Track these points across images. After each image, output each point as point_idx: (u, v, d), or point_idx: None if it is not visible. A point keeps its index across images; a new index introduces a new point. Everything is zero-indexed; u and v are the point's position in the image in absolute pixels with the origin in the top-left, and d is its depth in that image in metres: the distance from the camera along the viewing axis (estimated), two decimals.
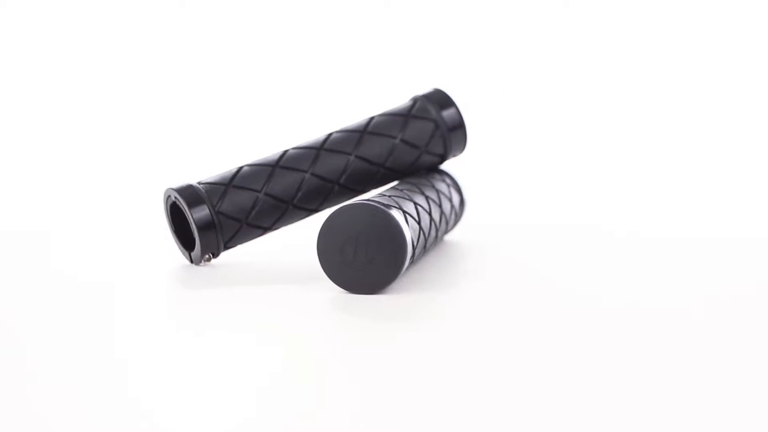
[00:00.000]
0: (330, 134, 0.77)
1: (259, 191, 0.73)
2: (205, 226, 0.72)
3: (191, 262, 0.74)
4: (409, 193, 0.73)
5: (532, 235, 0.90)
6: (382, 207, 0.65)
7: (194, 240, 0.73)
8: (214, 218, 0.72)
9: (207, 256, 0.73)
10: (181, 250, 0.75)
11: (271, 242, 0.78)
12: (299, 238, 0.78)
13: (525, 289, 0.70)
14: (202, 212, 0.71)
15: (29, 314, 0.63)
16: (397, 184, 0.77)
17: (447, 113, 0.80)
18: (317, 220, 0.70)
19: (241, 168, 0.74)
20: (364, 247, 0.65)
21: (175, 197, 0.72)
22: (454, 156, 0.82)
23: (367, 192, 0.78)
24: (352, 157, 0.76)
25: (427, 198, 0.74)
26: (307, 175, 0.74)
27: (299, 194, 0.74)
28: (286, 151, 0.75)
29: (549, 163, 1.24)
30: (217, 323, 0.62)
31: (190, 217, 0.71)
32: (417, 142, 0.78)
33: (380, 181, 0.78)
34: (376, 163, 0.77)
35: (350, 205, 0.66)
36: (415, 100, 0.80)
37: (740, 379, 0.51)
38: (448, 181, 0.81)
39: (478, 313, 0.64)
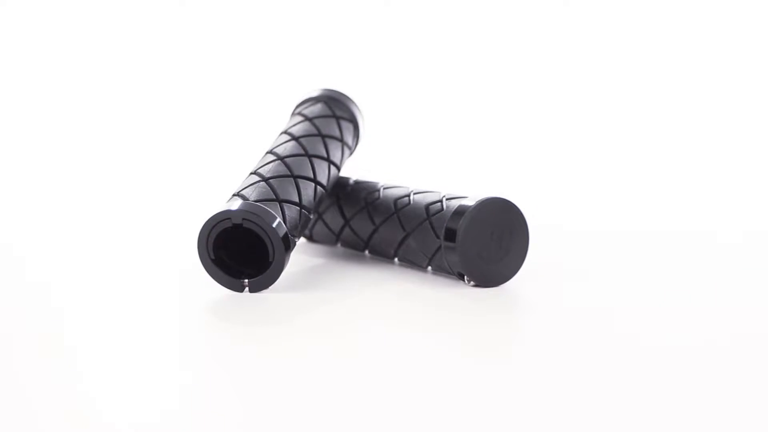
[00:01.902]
0: (296, 137, 0.74)
1: (299, 205, 0.69)
2: (287, 248, 0.66)
3: (241, 290, 0.66)
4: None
5: None
6: (509, 200, 0.67)
7: (242, 267, 0.66)
8: (290, 239, 0.67)
9: None
10: (224, 280, 0.66)
11: None
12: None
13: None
14: (284, 233, 0.66)
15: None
16: (390, 186, 0.75)
17: (358, 113, 0.82)
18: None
19: (267, 179, 0.69)
20: (504, 241, 0.67)
21: (246, 219, 0.65)
22: None
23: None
24: (329, 162, 0.75)
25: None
26: (316, 185, 0.72)
27: (315, 204, 0.72)
28: (283, 158, 0.72)
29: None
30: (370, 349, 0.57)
31: (276, 240, 0.65)
32: (349, 142, 0.79)
33: (334, 184, 0.77)
34: (336, 166, 0.76)
35: (488, 200, 0.66)
36: (322, 100, 0.80)
37: None
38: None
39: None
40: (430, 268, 0.71)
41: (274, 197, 0.68)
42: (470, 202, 0.67)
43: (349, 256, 0.78)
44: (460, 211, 0.66)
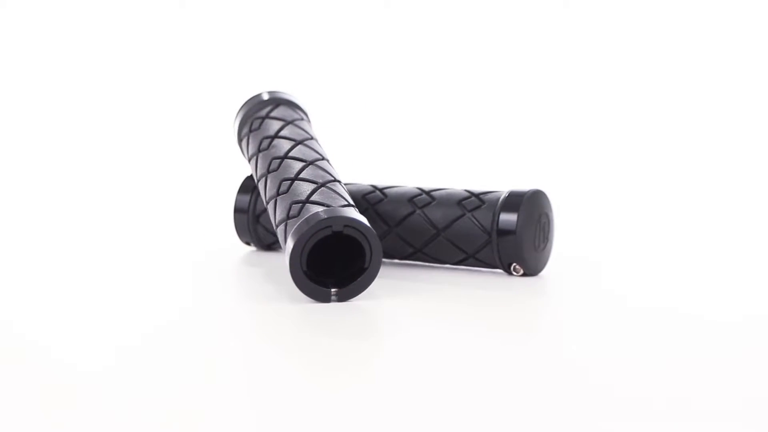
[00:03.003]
0: (300, 141, 0.72)
1: (355, 207, 0.66)
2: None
3: (328, 300, 0.63)
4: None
5: None
6: (544, 191, 0.70)
7: (334, 276, 0.64)
8: None
9: None
10: (312, 291, 0.63)
11: None
12: None
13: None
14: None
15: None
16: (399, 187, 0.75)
17: (307, 112, 0.81)
18: None
19: (325, 184, 0.66)
20: (545, 230, 0.70)
21: (347, 225, 0.62)
22: None
23: None
24: (328, 162, 0.73)
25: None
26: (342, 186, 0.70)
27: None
28: (313, 162, 0.69)
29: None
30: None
31: (376, 246, 0.63)
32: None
33: None
34: None
35: (535, 192, 0.69)
36: (282, 103, 0.78)
37: None
38: None
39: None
40: (451, 262, 0.71)
41: (346, 202, 0.65)
42: (517, 194, 0.68)
43: None
44: (514, 203, 0.68)
